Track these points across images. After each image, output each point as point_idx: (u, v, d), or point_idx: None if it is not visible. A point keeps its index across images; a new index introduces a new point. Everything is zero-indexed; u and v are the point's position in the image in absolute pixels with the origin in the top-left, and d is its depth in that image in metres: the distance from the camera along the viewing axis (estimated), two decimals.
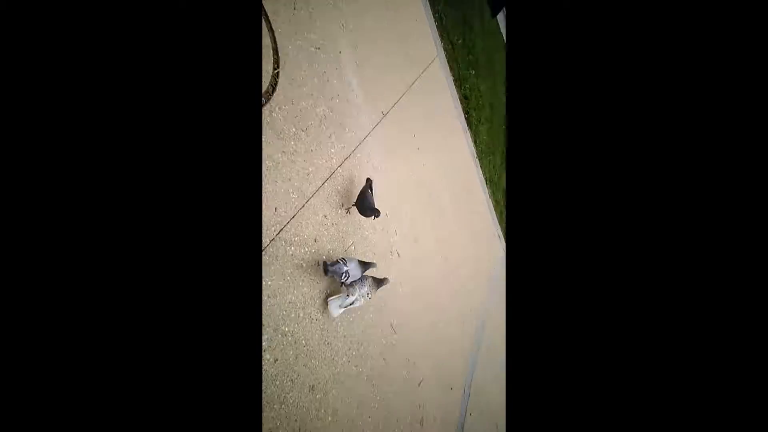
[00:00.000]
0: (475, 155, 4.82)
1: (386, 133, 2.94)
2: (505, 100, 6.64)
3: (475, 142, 4.87)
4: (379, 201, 2.62)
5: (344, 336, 2.04)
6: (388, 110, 3.06)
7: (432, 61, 4.14)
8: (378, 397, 2.16)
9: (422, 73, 3.85)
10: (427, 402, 2.60)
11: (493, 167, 5.24)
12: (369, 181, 2.26)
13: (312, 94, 2.26)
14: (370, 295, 2.05)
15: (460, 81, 4.80)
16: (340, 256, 2.01)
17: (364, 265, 2.06)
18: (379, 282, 2.12)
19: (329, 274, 1.88)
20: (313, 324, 1.86)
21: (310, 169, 2.10)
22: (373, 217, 2.24)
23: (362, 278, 2.02)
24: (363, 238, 2.37)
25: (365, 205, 2.20)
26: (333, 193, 2.20)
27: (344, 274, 1.90)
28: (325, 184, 2.17)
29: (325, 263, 1.89)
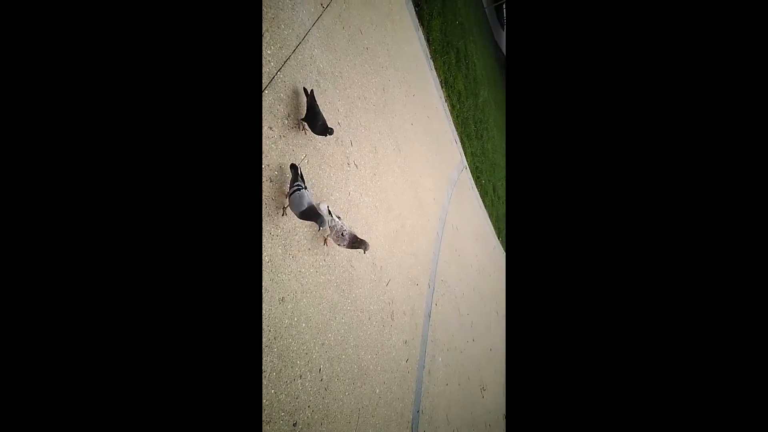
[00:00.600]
0: (429, 55, 4.52)
1: (329, 30, 2.62)
2: None
3: (428, 40, 4.52)
4: (329, 109, 2.44)
5: (309, 249, 2.06)
6: (329, 3, 2.68)
7: None
8: (348, 300, 2.29)
9: None
10: (395, 298, 2.81)
11: (448, 68, 4.98)
12: (311, 93, 2.05)
13: None
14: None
15: None
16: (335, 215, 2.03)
17: (359, 242, 2.07)
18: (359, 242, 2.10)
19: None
20: (273, 240, 1.83)
21: None
22: (326, 134, 2.11)
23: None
24: (316, 150, 2.25)
25: (316, 121, 2.03)
26: (276, 102, 2.00)
27: (323, 225, 1.86)
28: (266, 91, 1.95)
29: (289, 208, 1.85)
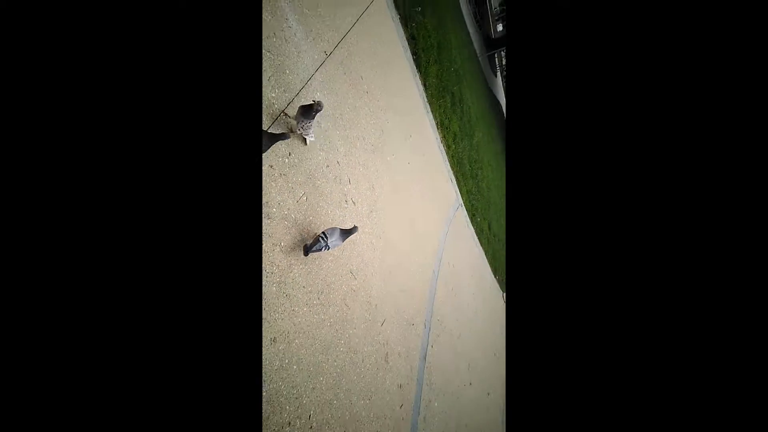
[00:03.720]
0: (426, 99, 4.73)
1: (332, 76, 2.75)
2: (452, 40, 6.46)
3: (425, 85, 4.75)
4: (328, 149, 2.51)
5: (303, 287, 2.03)
6: (332, 51, 2.84)
7: None
8: (342, 341, 2.23)
9: (366, 9, 3.56)
10: (390, 339, 2.74)
11: (444, 111, 5.20)
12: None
13: None
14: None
15: (406, 19, 4.54)
16: (321, 231, 2.06)
17: (347, 232, 2.11)
18: (347, 232, 2.14)
19: (313, 251, 2.01)
20: (268, 278, 1.81)
21: None
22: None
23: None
24: (315, 187, 2.29)
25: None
26: (279, 143, 2.06)
27: (325, 247, 2.02)
28: (269, 131, 2.01)
29: (305, 247, 2.00)
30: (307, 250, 2.00)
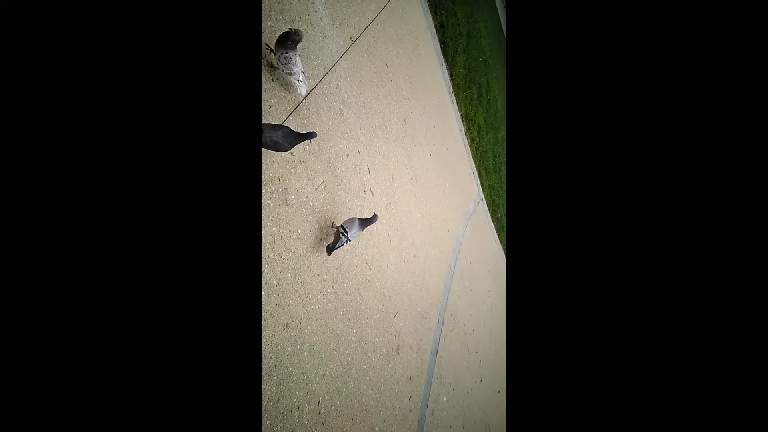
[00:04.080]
0: (451, 89, 4.61)
1: (356, 63, 2.71)
2: (482, 30, 6.26)
3: (451, 75, 4.63)
4: (350, 137, 2.48)
5: (318, 274, 2.04)
6: (358, 37, 2.79)
7: None
8: (354, 330, 2.24)
9: None
10: (402, 331, 2.73)
11: (470, 102, 5.06)
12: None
13: (270, 14, 1.99)
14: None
15: (435, 6, 4.41)
16: (339, 224, 2.03)
17: (365, 222, 2.09)
18: (366, 222, 2.13)
19: (336, 249, 2.01)
20: (284, 264, 1.83)
21: (272, 101, 1.92)
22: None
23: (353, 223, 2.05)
24: (334, 176, 2.27)
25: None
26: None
27: (346, 241, 2.01)
28: (290, 117, 2.00)
29: (328, 247, 2.01)
30: (330, 250, 2.01)
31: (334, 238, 2.01)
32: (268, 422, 1.62)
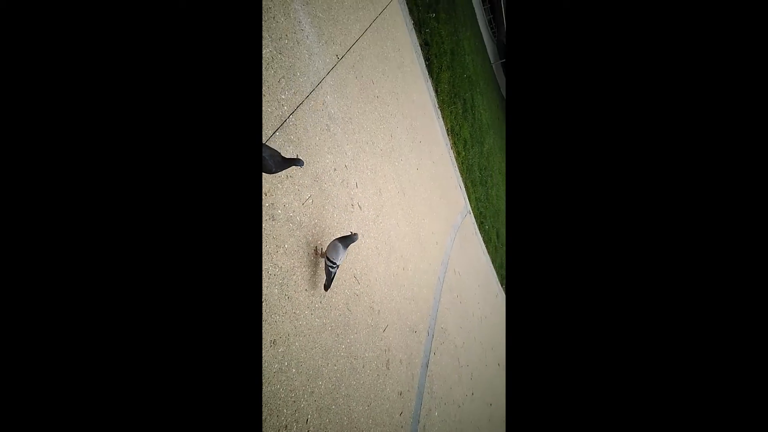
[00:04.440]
0: (437, 105, 4.72)
1: (343, 80, 2.76)
2: (466, 47, 6.45)
3: (436, 91, 4.74)
4: (337, 152, 2.51)
5: (306, 290, 2.03)
6: (344, 54, 2.85)
7: (390, 2, 3.85)
8: (343, 346, 2.21)
9: (379, 14, 3.58)
10: (392, 346, 2.71)
11: (455, 117, 5.17)
12: None
13: None
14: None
15: (419, 25, 4.54)
16: (324, 254, 2.01)
17: (346, 240, 2.02)
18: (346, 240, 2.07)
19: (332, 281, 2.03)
20: (270, 279, 1.81)
21: None
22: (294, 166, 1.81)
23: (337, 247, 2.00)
24: (321, 191, 2.28)
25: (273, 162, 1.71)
26: (285, 143, 2.07)
27: (337, 269, 2.01)
28: (276, 133, 2.02)
29: (324, 286, 2.05)
30: (327, 287, 2.04)
31: (326, 274, 2.00)
32: None
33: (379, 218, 2.91)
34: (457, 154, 5.09)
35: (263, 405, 1.66)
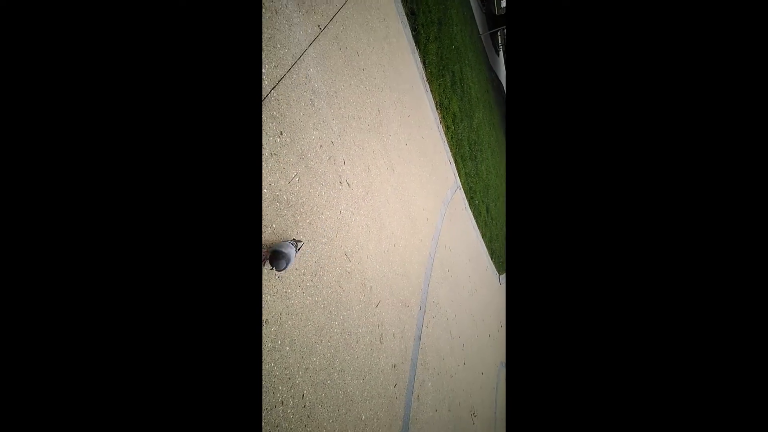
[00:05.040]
0: (425, 77, 4.60)
1: (326, 51, 2.65)
2: (453, 16, 6.24)
3: (424, 63, 4.61)
4: (323, 128, 2.44)
5: (296, 269, 2.01)
6: (326, 24, 2.72)
7: None
8: (336, 323, 2.23)
9: None
10: (385, 321, 2.75)
11: (443, 90, 5.07)
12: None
13: None
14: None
15: None
16: (277, 255, 1.68)
17: (293, 244, 1.82)
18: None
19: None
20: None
21: None
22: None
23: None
24: (308, 168, 2.23)
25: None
26: (268, 120, 1.99)
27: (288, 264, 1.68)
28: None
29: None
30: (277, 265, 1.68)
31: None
32: None
33: (368, 195, 2.87)
34: (447, 128, 5.02)
35: None
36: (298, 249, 1.83)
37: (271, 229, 1.89)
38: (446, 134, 5.00)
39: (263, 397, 1.68)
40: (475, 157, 6.24)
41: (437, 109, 4.83)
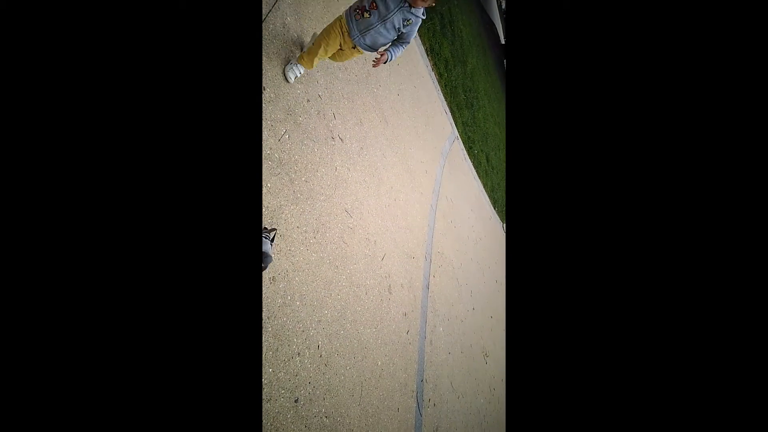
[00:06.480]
0: None
1: None
2: None
3: None
4: (308, 81, 2.33)
5: (297, 227, 2.01)
6: None
7: None
8: (343, 277, 2.27)
9: None
10: (392, 272, 2.79)
11: (433, 35, 4.80)
12: None
13: None
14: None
15: None
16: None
17: (266, 237, 1.68)
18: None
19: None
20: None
21: None
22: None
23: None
24: (297, 124, 2.16)
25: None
26: None
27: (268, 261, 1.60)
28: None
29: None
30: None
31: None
32: (270, 369, 1.67)
33: (363, 150, 2.81)
34: (439, 75, 4.81)
35: (274, 337, 1.72)
36: (272, 239, 1.75)
37: (267, 189, 1.86)
38: (439, 82, 4.81)
39: (279, 350, 1.74)
40: (472, 105, 6.04)
41: (428, 55, 4.61)
